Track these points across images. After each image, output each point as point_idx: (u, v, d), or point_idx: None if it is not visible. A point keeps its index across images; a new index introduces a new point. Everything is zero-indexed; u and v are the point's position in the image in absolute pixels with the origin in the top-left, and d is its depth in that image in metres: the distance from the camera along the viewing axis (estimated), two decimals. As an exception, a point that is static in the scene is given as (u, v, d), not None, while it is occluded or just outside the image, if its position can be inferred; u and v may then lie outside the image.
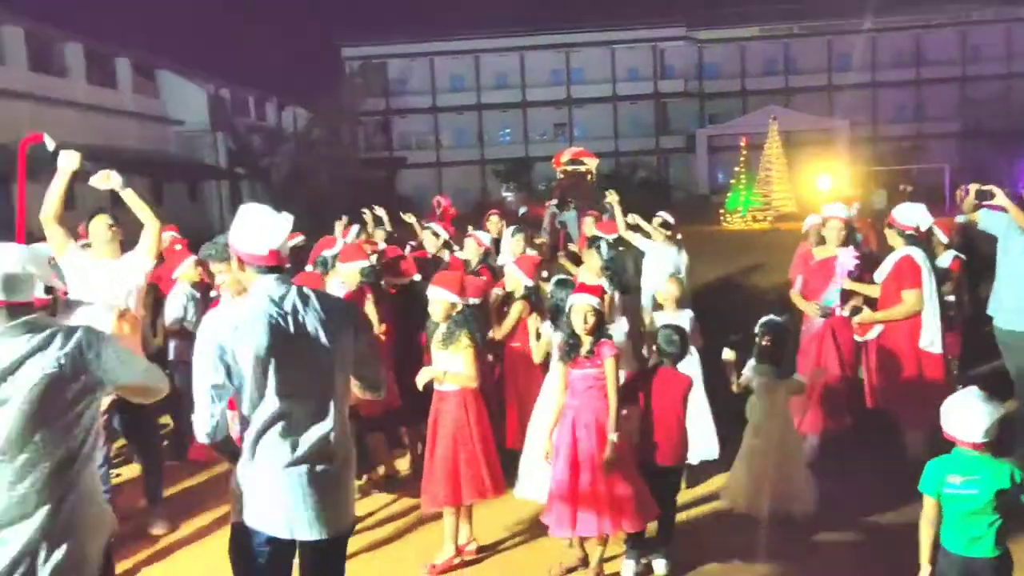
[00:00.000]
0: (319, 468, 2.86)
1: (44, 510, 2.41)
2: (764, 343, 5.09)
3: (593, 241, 6.83)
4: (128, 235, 5.09)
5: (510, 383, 5.79)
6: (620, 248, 6.93)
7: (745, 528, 4.83)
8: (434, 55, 49.31)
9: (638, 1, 50.90)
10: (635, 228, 7.82)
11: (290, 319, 2.83)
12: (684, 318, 5.61)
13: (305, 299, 2.89)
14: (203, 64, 36.36)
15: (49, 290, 2.59)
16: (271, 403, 2.80)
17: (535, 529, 4.81)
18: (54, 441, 2.42)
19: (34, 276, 2.53)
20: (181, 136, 34.66)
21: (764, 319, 5.20)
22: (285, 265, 2.92)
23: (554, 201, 14.88)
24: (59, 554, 2.42)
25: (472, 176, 47.32)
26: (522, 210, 16.78)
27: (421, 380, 4.55)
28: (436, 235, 8.12)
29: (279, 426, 2.82)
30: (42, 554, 2.40)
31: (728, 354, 5.05)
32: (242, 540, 2.96)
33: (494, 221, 9.02)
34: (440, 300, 4.51)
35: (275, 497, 2.84)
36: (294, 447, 2.83)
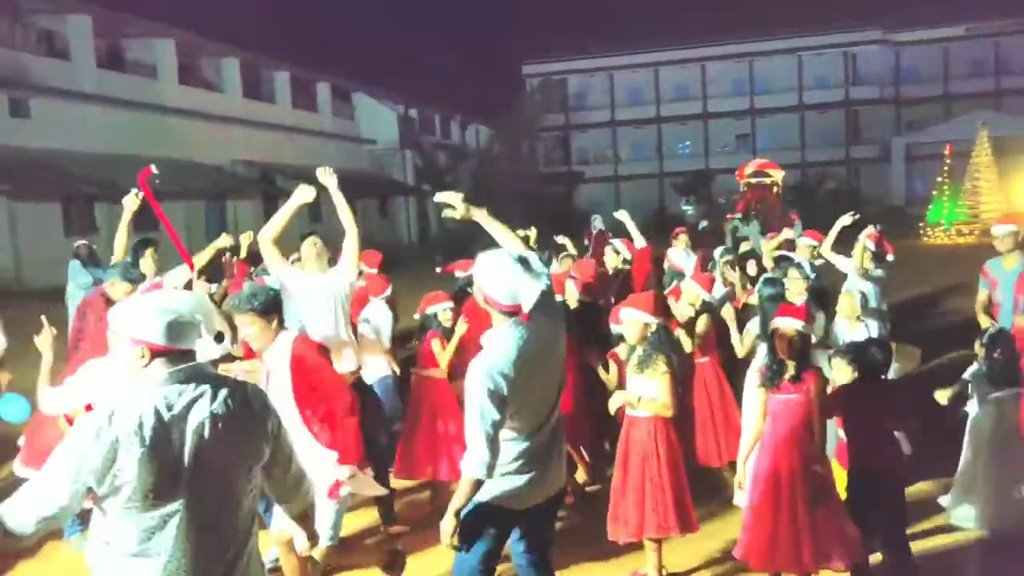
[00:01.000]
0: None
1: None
2: (996, 356, 4.78)
3: (780, 260, 6.68)
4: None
5: (697, 399, 5.76)
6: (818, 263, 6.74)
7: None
8: (613, 69, 49.37)
9: (827, 5, 48.77)
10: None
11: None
12: (860, 333, 5.40)
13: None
14: (394, 86, 38.18)
15: (220, 337, 2.48)
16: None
17: (725, 561, 4.62)
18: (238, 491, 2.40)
19: (200, 324, 2.39)
20: (373, 154, 36.68)
21: (991, 331, 4.97)
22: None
23: (737, 215, 14.53)
24: None
25: (650, 190, 46.91)
26: (702, 224, 16.51)
27: (614, 405, 4.45)
28: (617, 252, 7.97)
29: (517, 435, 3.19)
30: None
31: (942, 395, 4.84)
32: None
33: (683, 239, 8.96)
34: (635, 321, 4.39)
35: None
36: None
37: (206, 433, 2.28)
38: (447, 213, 3.68)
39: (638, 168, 49.12)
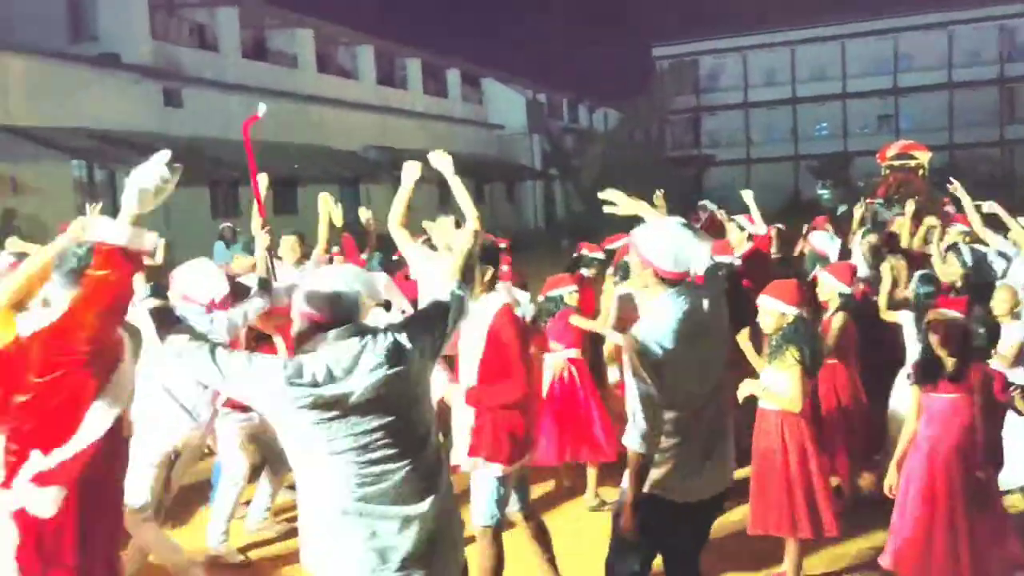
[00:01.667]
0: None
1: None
2: None
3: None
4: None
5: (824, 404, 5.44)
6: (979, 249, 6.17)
7: None
8: (747, 49, 47.91)
9: (983, -25, 45.56)
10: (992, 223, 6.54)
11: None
12: (1017, 331, 4.98)
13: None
14: (522, 71, 38.39)
15: (388, 306, 2.69)
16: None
17: (865, 567, 4.42)
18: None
19: (362, 295, 2.57)
20: (501, 139, 36.98)
21: None
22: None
23: (878, 199, 13.84)
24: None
25: (783, 173, 45.32)
26: (841, 208, 15.83)
27: (742, 393, 4.28)
28: (741, 228, 7.40)
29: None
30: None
31: None
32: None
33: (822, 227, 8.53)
34: (772, 310, 4.22)
35: None
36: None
37: (375, 377, 2.46)
38: (609, 209, 3.70)
39: (771, 151, 47.54)
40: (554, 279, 5.95)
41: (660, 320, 3.00)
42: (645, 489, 3.01)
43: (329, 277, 2.61)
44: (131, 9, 19.95)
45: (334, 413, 2.41)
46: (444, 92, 34.47)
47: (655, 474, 3.05)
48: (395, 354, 2.52)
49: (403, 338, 2.57)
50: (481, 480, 3.78)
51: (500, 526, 3.85)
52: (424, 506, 2.53)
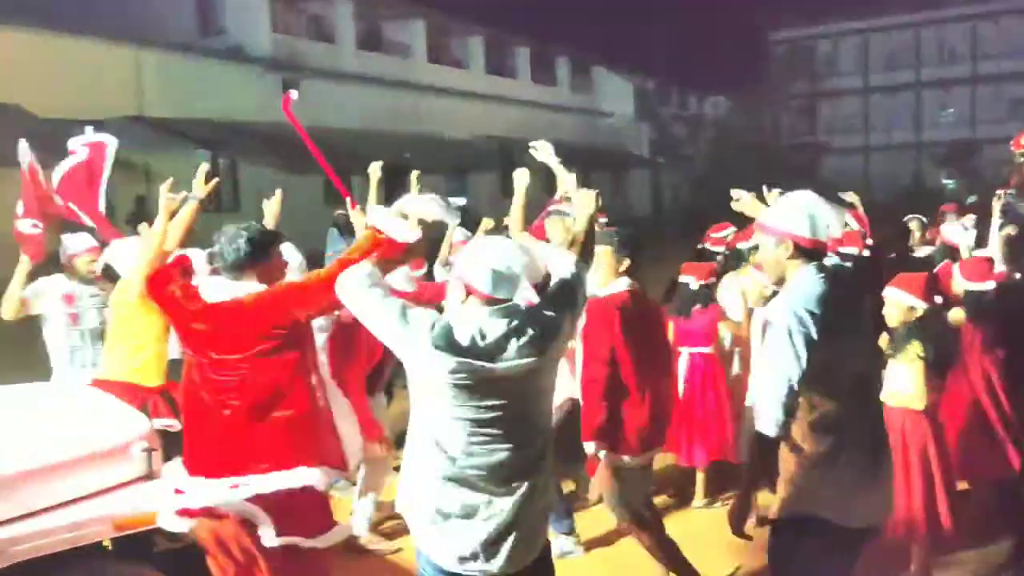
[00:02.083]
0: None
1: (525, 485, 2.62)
2: None
3: None
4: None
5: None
6: None
7: None
8: (869, 32, 45.95)
9: None
10: None
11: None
12: None
13: None
14: (632, 58, 37.96)
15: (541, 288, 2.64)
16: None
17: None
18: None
19: (519, 276, 2.58)
20: (610, 127, 36.76)
21: None
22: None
23: (1010, 190, 13.10)
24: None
25: (904, 161, 43.34)
26: (970, 199, 15.07)
27: None
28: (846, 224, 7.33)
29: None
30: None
31: None
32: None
33: (953, 220, 8.11)
34: (898, 303, 4.05)
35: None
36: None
37: (521, 359, 2.52)
38: (736, 206, 3.70)
39: (891, 138, 45.51)
40: (691, 266, 5.72)
41: (802, 292, 2.77)
42: (791, 511, 2.79)
43: (495, 252, 2.61)
44: (254, 2, 20.79)
45: (469, 383, 2.49)
46: (553, 80, 34.48)
47: (805, 488, 2.77)
48: (544, 338, 2.58)
49: (551, 322, 2.62)
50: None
51: (639, 519, 3.96)
52: (510, 498, 2.57)
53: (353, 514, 4.89)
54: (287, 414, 2.99)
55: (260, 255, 3.13)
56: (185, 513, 2.97)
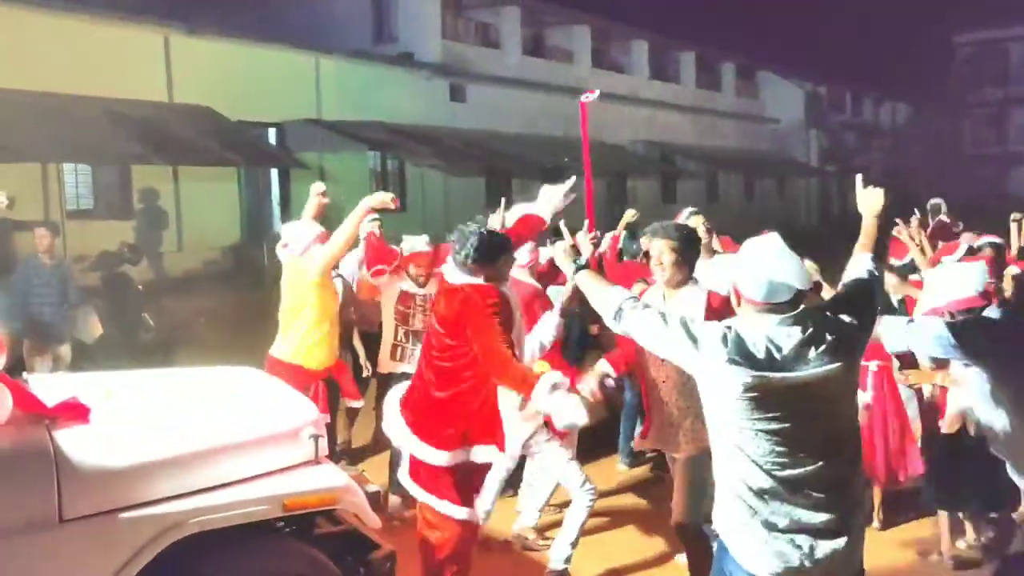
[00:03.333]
0: None
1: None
2: None
3: None
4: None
5: None
6: None
7: None
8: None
9: None
10: None
11: None
12: None
13: None
14: (801, 62, 36.43)
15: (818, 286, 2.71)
16: None
17: None
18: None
19: (795, 285, 2.52)
20: (776, 134, 35.55)
21: None
22: None
23: None
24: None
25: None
26: None
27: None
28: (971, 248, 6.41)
29: None
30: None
31: None
32: None
33: None
34: None
35: None
36: None
37: (821, 366, 2.47)
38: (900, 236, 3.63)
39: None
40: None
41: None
42: None
43: (767, 261, 2.56)
44: (425, 10, 21.53)
45: (767, 396, 2.45)
46: (717, 86, 33.73)
47: None
48: (843, 343, 2.52)
49: (848, 327, 2.56)
50: None
51: None
52: (832, 541, 2.48)
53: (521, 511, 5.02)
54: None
55: (483, 258, 3.47)
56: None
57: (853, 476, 2.60)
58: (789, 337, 2.47)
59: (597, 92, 4.79)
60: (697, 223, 5.26)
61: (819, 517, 2.48)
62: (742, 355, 2.44)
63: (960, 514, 4.76)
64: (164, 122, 14.24)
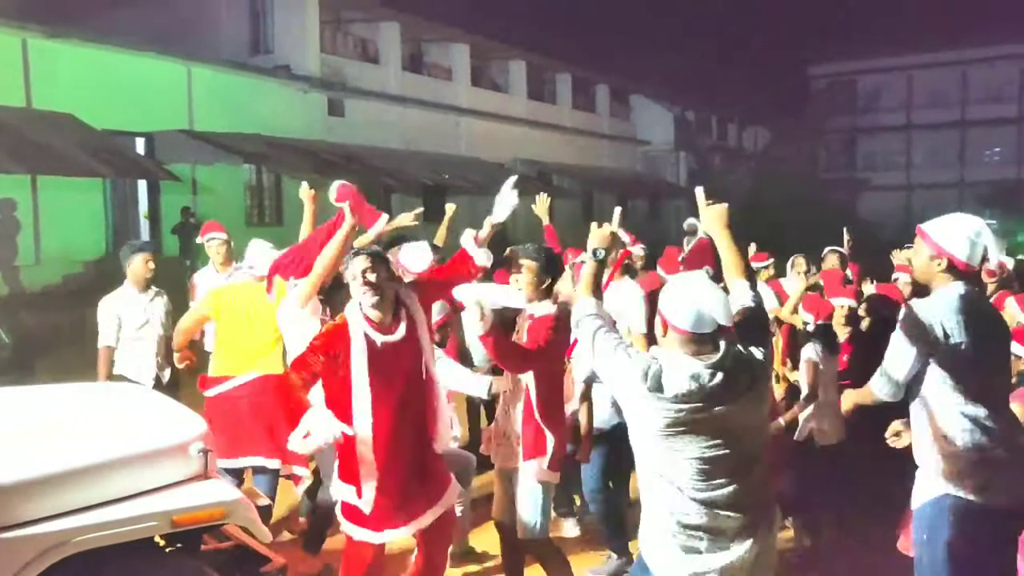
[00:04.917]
0: None
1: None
2: None
3: None
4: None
5: None
6: None
7: None
8: (912, 69, 45.64)
9: None
10: None
11: None
12: None
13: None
14: (671, 87, 37.94)
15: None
16: None
17: None
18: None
19: (720, 319, 2.61)
20: (647, 156, 36.83)
21: None
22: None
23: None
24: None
25: (946, 199, 42.75)
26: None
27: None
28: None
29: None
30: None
31: None
32: None
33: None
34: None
35: None
36: None
37: (738, 400, 2.61)
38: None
39: (934, 176, 45.02)
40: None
41: (943, 306, 3.02)
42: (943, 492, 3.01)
43: (695, 293, 2.64)
44: (304, 23, 21.21)
45: (687, 428, 2.57)
46: (592, 107, 34.68)
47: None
48: (758, 379, 2.67)
49: (760, 363, 2.70)
50: None
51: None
52: (741, 547, 2.64)
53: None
54: None
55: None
56: None
57: (763, 492, 2.75)
58: (711, 376, 2.57)
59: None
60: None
61: (733, 530, 2.64)
62: (661, 388, 2.56)
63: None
64: (20, 128, 13.47)
